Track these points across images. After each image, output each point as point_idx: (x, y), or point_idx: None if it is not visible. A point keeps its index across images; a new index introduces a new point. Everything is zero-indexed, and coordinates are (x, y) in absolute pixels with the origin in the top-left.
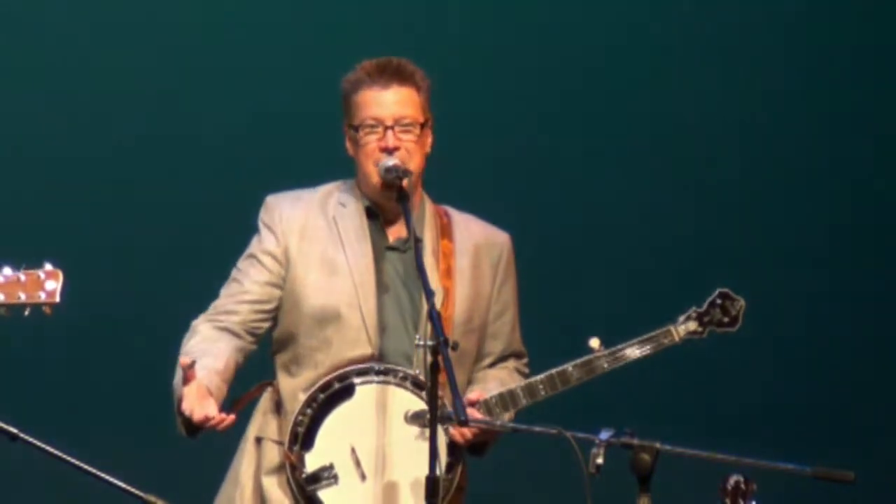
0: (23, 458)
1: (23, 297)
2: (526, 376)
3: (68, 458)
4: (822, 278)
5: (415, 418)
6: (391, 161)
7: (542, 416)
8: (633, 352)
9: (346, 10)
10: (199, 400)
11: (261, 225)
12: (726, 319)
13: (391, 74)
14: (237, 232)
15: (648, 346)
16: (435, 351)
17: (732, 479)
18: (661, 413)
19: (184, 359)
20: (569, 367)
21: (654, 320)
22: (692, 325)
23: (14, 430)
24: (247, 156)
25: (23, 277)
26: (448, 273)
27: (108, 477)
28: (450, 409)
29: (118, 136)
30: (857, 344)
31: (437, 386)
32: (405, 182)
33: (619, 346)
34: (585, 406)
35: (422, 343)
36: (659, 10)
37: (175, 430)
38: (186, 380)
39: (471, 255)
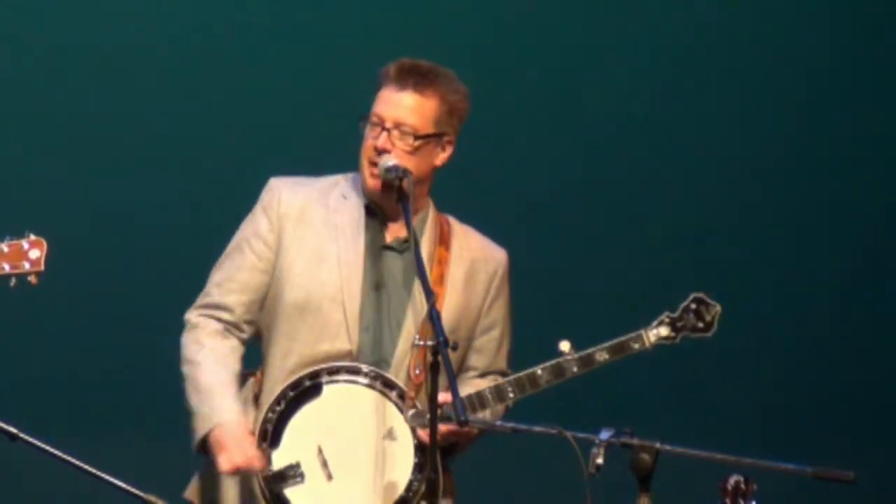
0: (23, 458)
1: (7, 267)
2: None
3: (68, 458)
4: (822, 278)
5: (415, 418)
6: (391, 161)
7: (542, 416)
8: (603, 356)
9: (363, 9)
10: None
11: (258, 206)
12: (700, 325)
13: (412, 78)
14: (235, 226)
15: (618, 351)
16: (435, 351)
17: (732, 479)
18: (661, 413)
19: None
20: (538, 369)
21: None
22: (664, 331)
23: (14, 430)
24: (246, 144)
25: (6, 248)
26: (440, 280)
27: (108, 477)
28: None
29: (119, 127)
30: (858, 344)
31: (437, 386)
32: (405, 182)
33: (589, 350)
34: (585, 406)
35: (421, 343)
36: (654, 13)
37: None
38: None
39: (466, 266)
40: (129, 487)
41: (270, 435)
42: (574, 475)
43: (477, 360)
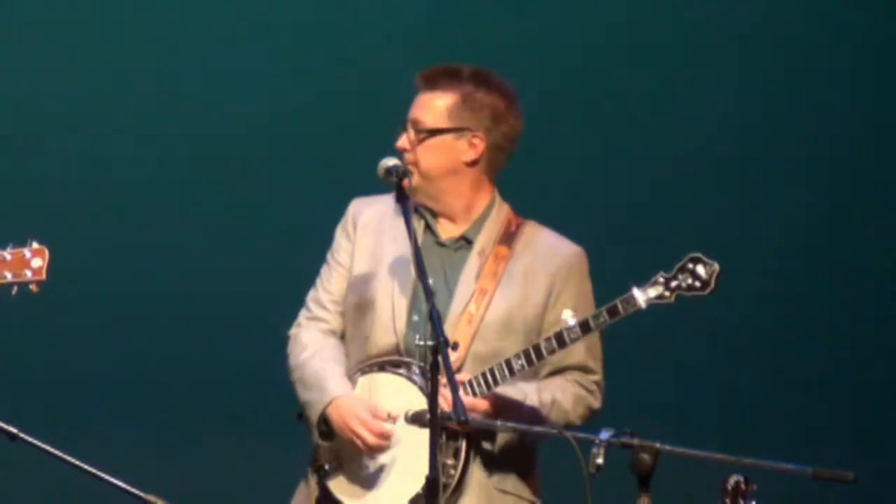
0: (23, 458)
1: (9, 276)
2: (592, 394)
3: (68, 458)
4: (822, 279)
5: (415, 419)
6: (391, 161)
7: None
8: (598, 320)
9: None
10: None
11: (338, 227)
12: (697, 284)
13: (428, 80)
14: (243, 236)
15: (612, 314)
16: (435, 351)
17: (732, 479)
18: (661, 413)
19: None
20: (542, 340)
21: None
22: (658, 290)
23: (14, 430)
24: (258, 154)
25: (8, 256)
26: (492, 276)
27: (108, 477)
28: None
29: (121, 132)
30: (858, 343)
31: (438, 386)
32: (406, 182)
33: (585, 316)
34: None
35: (422, 343)
36: (651, 9)
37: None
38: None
39: (526, 262)
40: (129, 487)
41: (320, 432)
42: (574, 475)
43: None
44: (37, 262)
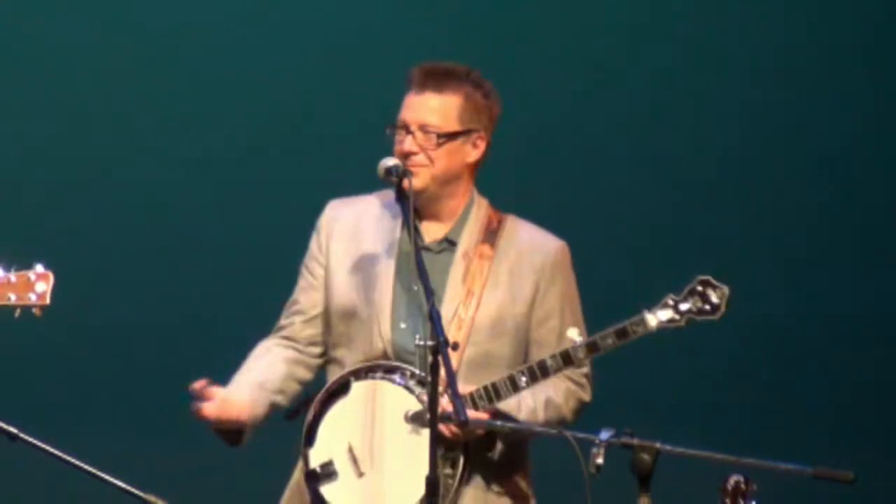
0: (23, 458)
1: (13, 298)
2: (582, 387)
3: (68, 458)
4: (822, 279)
5: (415, 418)
6: (391, 161)
7: None
8: (607, 341)
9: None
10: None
11: (313, 230)
12: (707, 307)
13: (432, 79)
14: (241, 236)
15: (622, 336)
16: (435, 351)
17: (732, 479)
18: (661, 413)
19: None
20: (548, 358)
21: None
22: (668, 314)
23: (14, 430)
24: (256, 161)
25: (13, 279)
26: (479, 276)
27: (108, 477)
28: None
29: (127, 139)
30: (858, 343)
31: (438, 386)
32: (405, 182)
33: (594, 337)
34: (586, 406)
35: (422, 343)
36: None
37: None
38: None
39: (510, 260)
40: (129, 487)
41: (306, 435)
42: (574, 475)
43: (538, 353)
44: (41, 287)
